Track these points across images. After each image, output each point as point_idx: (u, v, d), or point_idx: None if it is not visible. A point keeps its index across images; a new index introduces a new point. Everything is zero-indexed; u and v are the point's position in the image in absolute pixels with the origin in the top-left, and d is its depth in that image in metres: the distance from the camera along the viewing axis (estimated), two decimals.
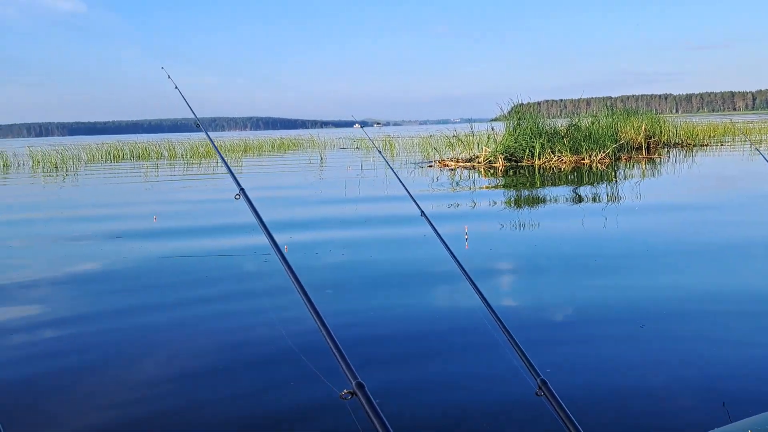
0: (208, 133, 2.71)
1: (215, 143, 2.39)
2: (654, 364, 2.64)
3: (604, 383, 2.48)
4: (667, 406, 2.26)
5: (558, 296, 3.71)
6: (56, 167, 19.40)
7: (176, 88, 2.60)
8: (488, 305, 1.43)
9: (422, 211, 2.13)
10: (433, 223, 2.05)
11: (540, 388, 1.16)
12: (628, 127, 15.96)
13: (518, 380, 1.29)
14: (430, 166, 14.31)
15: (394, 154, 19.97)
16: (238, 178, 1.89)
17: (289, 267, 1.30)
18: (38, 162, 21.18)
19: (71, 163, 21.22)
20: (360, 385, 1.06)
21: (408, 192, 2.33)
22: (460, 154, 15.64)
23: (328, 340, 1.12)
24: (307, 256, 4.90)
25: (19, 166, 20.65)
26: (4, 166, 20.80)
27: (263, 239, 1.47)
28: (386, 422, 1.01)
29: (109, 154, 24.11)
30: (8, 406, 2.42)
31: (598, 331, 3.08)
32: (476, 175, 11.97)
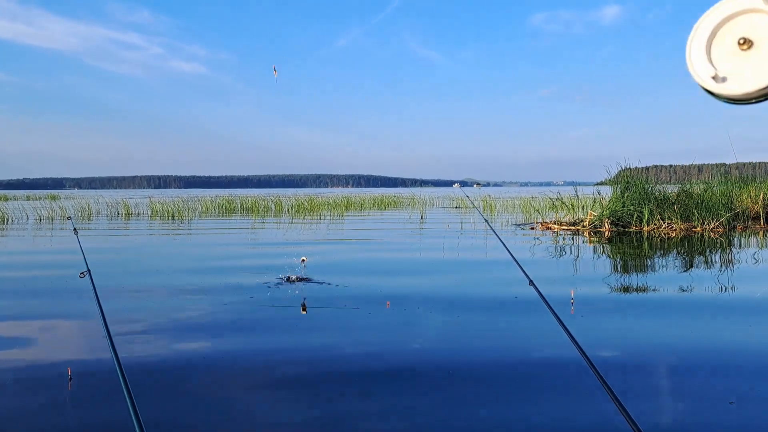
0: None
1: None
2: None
3: None
4: None
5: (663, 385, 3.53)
6: (172, 217, 20.70)
7: None
8: (603, 381, 1.42)
9: (530, 280, 2.13)
10: (541, 292, 2.05)
11: None
12: (744, 195, 15.09)
13: None
14: (532, 228, 14.09)
15: (494, 215, 19.82)
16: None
17: None
18: (156, 212, 22.65)
19: (186, 213, 22.54)
20: None
21: (516, 260, 2.34)
22: (563, 217, 15.35)
23: None
24: (405, 313, 4.93)
25: (139, 215, 22.16)
26: (126, 214, 22.45)
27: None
28: None
29: (222, 207, 25.45)
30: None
31: None
32: (581, 239, 11.66)
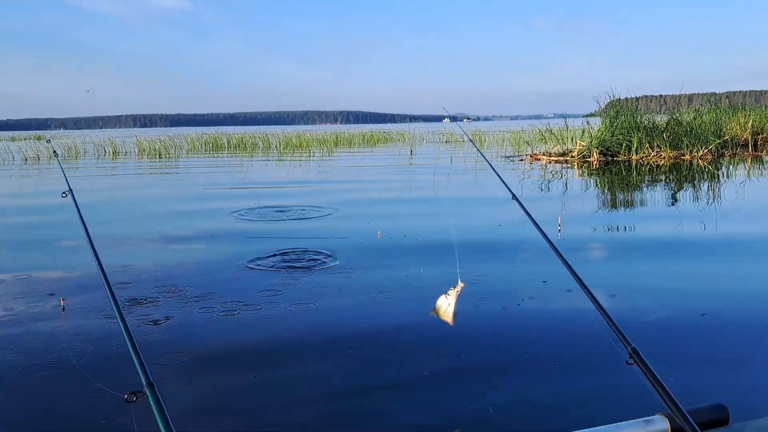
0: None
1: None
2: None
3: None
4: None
5: (648, 285, 3.61)
6: (159, 155, 20.53)
7: None
8: (577, 277, 1.44)
9: (513, 194, 2.14)
10: (525, 206, 2.07)
11: (631, 356, 1.16)
12: (734, 123, 15.08)
13: (608, 349, 1.29)
14: (521, 160, 14.10)
15: (484, 148, 19.78)
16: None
17: None
18: (143, 151, 22.43)
19: (173, 151, 22.33)
20: (150, 385, 1.04)
21: (498, 175, 2.34)
22: (552, 148, 15.33)
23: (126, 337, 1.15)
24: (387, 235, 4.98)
25: (126, 154, 21.94)
26: (113, 153, 22.22)
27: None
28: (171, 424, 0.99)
29: (209, 145, 25.22)
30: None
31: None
32: (569, 169, 11.69)
